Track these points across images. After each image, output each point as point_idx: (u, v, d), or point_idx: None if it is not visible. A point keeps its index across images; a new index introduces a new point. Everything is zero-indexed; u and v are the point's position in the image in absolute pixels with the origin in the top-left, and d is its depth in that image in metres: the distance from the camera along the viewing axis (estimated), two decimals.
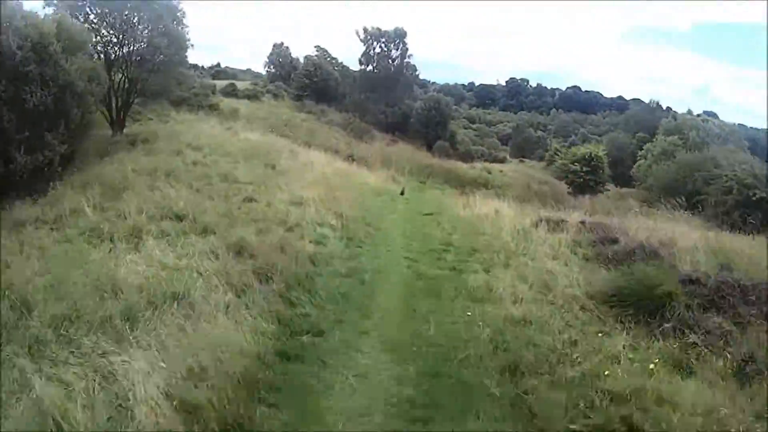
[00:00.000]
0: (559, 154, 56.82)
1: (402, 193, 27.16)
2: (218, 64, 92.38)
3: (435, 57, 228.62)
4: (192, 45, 28.99)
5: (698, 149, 47.04)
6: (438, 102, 64.66)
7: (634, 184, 54.84)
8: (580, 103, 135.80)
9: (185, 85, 37.75)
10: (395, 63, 64.64)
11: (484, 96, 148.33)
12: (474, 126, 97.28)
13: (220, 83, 57.30)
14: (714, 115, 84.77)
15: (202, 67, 79.91)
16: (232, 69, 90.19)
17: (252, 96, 56.90)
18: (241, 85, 60.29)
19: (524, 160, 78.15)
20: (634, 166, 58.41)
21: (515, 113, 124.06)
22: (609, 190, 47.15)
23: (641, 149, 60.93)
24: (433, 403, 8.00)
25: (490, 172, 51.19)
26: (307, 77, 63.37)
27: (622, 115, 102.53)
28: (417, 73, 69.96)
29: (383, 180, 30.09)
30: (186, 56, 30.22)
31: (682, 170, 39.10)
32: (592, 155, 44.40)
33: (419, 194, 29.77)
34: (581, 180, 43.97)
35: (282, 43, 76.63)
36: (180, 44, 27.48)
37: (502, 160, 75.08)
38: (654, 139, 58.66)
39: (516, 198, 26.41)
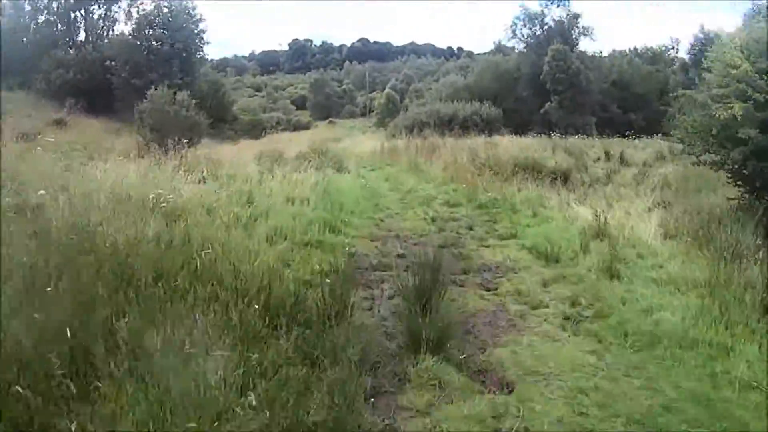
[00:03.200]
0: None
1: None
2: None
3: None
4: None
5: None
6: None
7: None
8: (371, 54, 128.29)
9: None
10: None
11: (267, 63, 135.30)
12: (261, 94, 77.74)
13: None
14: None
15: None
16: None
17: None
18: None
19: (334, 120, 60.12)
20: None
21: (303, 74, 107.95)
22: None
23: None
24: None
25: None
26: None
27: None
28: None
29: None
30: None
31: None
32: None
33: None
34: None
35: None
36: None
37: (307, 126, 56.61)
38: None
39: None
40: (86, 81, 39.75)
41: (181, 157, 13.86)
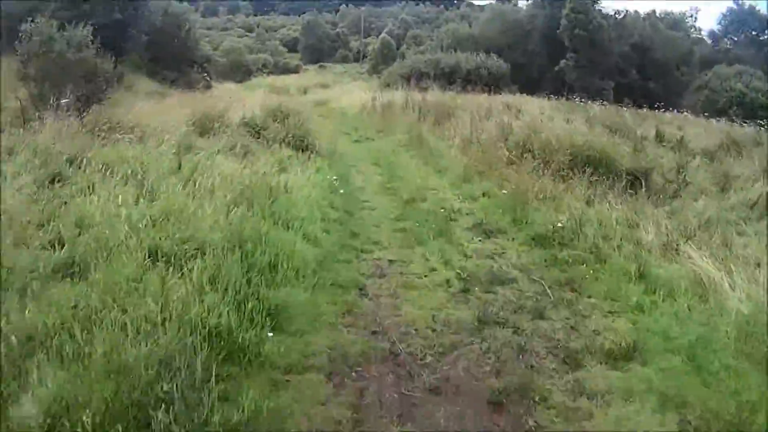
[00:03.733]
0: None
1: None
2: None
3: None
4: None
5: None
6: None
7: None
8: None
9: None
10: None
11: (261, 3, 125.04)
12: (252, 35, 71.59)
13: None
14: None
15: None
16: None
17: None
18: None
19: (325, 64, 54.92)
20: None
21: (298, 16, 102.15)
22: None
23: None
24: None
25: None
26: None
27: None
28: None
29: None
30: None
31: None
32: None
33: None
34: None
35: None
36: None
37: (296, 70, 51.41)
38: None
39: None
40: None
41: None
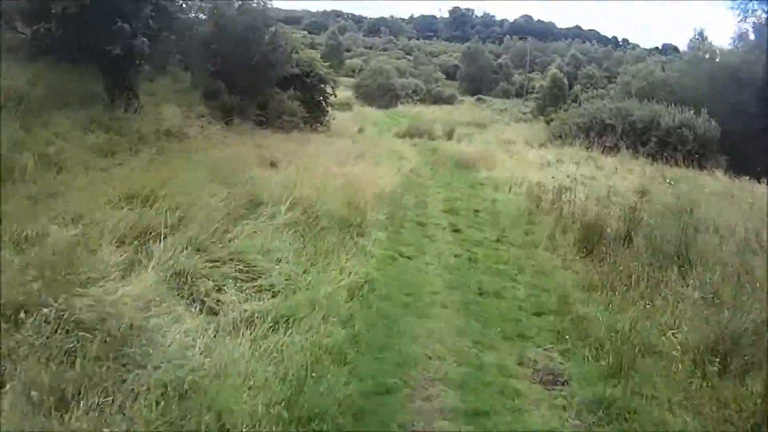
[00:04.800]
0: None
1: None
2: None
3: None
4: None
5: None
6: None
7: None
8: (533, 33, 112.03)
9: None
10: None
11: (424, 28, 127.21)
12: (409, 57, 66.01)
13: None
14: None
15: None
16: None
17: None
18: None
19: (483, 97, 47.79)
20: None
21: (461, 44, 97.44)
22: None
23: None
24: None
25: None
26: None
27: None
28: None
29: None
30: None
31: None
32: None
33: None
34: None
35: None
36: None
37: (449, 100, 44.57)
38: None
39: None
40: None
41: None
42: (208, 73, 19.68)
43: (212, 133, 15.97)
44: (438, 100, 47.32)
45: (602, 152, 22.80)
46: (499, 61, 69.13)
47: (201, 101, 18.47)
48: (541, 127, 33.36)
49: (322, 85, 24.23)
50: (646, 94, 29.18)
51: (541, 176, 16.19)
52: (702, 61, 33.31)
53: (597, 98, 32.10)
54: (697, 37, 36.12)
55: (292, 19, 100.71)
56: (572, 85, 43.21)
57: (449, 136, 27.46)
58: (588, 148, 23.38)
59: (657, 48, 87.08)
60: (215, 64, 19.69)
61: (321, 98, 24.28)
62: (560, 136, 26.28)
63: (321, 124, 24.01)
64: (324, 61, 25.93)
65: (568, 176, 14.32)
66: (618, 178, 16.76)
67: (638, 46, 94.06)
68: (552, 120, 34.49)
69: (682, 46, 47.25)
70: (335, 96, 25.43)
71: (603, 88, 38.32)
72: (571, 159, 20.71)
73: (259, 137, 17.04)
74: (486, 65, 65.42)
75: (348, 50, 77.69)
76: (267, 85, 20.92)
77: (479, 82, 61.56)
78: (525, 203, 13.80)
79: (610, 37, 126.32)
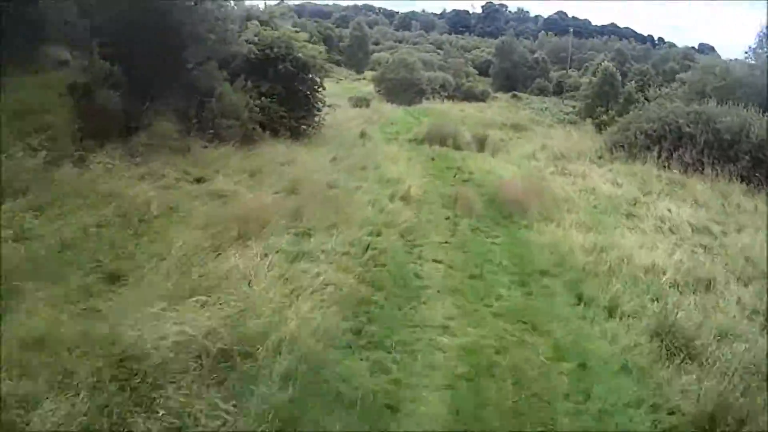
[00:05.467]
0: None
1: None
2: None
3: None
4: None
5: None
6: None
7: None
8: (568, 30, 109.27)
9: None
10: None
11: (457, 23, 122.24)
12: (439, 52, 63.01)
13: None
14: None
15: None
16: None
17: None
18: None
19: (519, 94, 42.02)
20: None
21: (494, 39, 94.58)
22: None
23: None
24: None
25: None
26: None
27: None
28: None
29: None
30: None
31: None
32: None
33: None
34: None
35: None
36: None
37: (482, 97, 38.75)
38: None
39: None
40: None
41: None
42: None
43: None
44: (469, 96, 41.27)
45: (684, 172, 16.95)
46: (535, 55, 62.57)
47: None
48: (590, 131, 27.22)
49: (305, 75, 17.48)
50: (724, 96, 23.07)
51: (641, 244, 9.57)
52: None
53: (666, 99, 25.95)
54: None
55: (322, 14, 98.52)
56: (624, 83, 36.89)
57: (481, 144, 20.36)
58: (665, 166, 17.43)
59: (693, 48, 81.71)
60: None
61: (306, 92, 17.74)
62: (622, 146, 20.31)
63: (307, 128, 17.68)
64: (312, 43, 19.39)
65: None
66: (749, 234, 10.64)
67: (674, 45, 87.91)
68: (603, 123, 28.51)
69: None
70: (324, 88, 18.63)
71: (661, 86, 32.11)
72: (657, 190, 14.31)
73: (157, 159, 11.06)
74: (521, 60, 58.93)
75: (377, 43, 72.35)
76: (187, 73, 13.70)
77: (514, 79, 55.29)
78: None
79: (645, 35, 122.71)
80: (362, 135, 19.40)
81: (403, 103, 33.66)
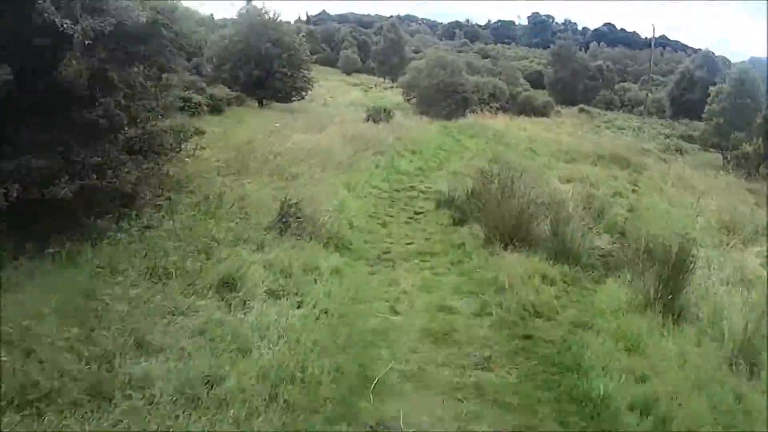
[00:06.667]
0: None
1: None
2: None
3: None
4: None
5: None
6: None
7: None
8: (617, 42, 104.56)
9: None
10: None
11: (502, 34, 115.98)
12: (485, 60, 54.86)
13: None
14: None
15: None
16: None
17: None
18: None
19: (588, 108, 31.98)
20: None
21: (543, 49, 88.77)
22: None
23: None
24: None
25: None
26: None
27: None
28: None
29: None
30: None
31: None
32: None
33: None
34: None
35: None
36: None
37: (543, 111, 28.33)
38: None
39: None
40: None
41: None
42: None
43: None
44: (527, 110, 30.96)
45: None
46: (598, 62, 51.71)
47: None
48: (733, 168, 16.64)
49: None
50: None
51: None
52: None
53: None
54: None
55: (365, 23, 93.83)
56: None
57: (599, 212, 9.62)
58: None
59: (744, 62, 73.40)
60: None
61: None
62: None
63: None
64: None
65: None
66: None
67: (727, 59, 78.69)
68: (744, 156, 17.94)
69: None
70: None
71: None
72: None
73: None
74: (581, 69, 48.34)
75: (417, 51, 62.70)
76: None
77: (573, 90, 44.87)
78: None
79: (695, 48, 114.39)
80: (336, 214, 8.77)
81: (440, 117, 23.63)
